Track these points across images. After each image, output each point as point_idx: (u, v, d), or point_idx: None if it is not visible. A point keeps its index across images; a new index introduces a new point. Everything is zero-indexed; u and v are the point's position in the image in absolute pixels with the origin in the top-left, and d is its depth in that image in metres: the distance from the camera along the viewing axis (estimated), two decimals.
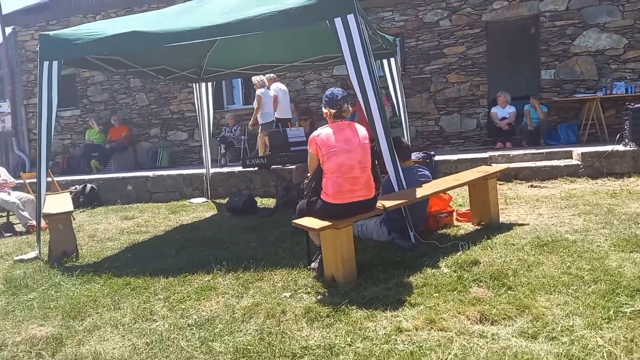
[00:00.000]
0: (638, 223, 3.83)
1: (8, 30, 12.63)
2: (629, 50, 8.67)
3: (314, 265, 3.52)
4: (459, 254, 3.51)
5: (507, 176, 6.98)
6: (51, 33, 4.67)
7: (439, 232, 4.23)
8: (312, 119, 6.69)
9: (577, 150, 6.96)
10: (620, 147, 6.70)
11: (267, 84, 8.13)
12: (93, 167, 11.07)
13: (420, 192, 3.73)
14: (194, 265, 4.07)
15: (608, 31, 8.72)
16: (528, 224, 4.18)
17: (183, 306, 3.23)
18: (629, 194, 5.15)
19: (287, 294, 3.20)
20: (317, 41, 5.95)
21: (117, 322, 3.08)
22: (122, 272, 4.05)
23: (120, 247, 5.13)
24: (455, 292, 2.90)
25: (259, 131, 8.27)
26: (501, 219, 4.45)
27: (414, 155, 7.33)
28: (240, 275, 3.66)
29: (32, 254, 4.85)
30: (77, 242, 5.42)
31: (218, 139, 10.67)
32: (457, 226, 4.39)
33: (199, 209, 7.44)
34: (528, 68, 9.91)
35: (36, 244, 4.95)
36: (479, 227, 4.24)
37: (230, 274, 3.72)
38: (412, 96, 9.87)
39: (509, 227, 4.10)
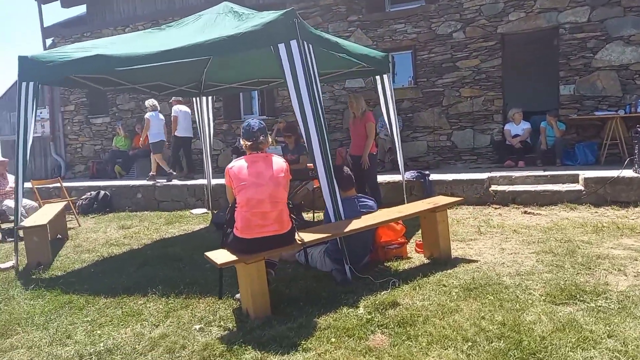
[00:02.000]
0: (590, 269, 3.52)
1: (48, 41, 13.44)
2: None
3: (238, 296, 3.48)
4: (383, 292, 3.37)
5: (505, 200, 6.65)
6: (29, 55, 4.90)
7: (385, 264, 4.07)
8: (297, 135, 6.63)
9: (583, 175, 6.50)
10: (629, 173, 6.20)
11: (157, 108, 9.73)
12: (116, 172, 11.56)
13: (356, 224, 3.61)
14: (140, 285, 4.15)
15: (633, 44, 8.11)
16: (477, 261, 3.95)
17: (100, 332, 3.29)
18: (617, 229, 4.75)
19: (198, 327, 3.19)
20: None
21: (34, 344, 3.18)
22: (72, 289, 4.19)
23: (92, 260, 5.30)
24: (353, 339, 2.78)
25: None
26: (457, 253, 4.24)
27: (408, 174, 7.16)
28: (170, 301, 3.69)
29: (9, 263, 5.12)
30: (59, 253, 5.70)
31: (231, 148, 10.86)
32: (408, 258, 4.21)
33: (195, 220, 7.59)
34: (546, 83, 9.43)
35: (14, 254, 5.20)
36: (427, 262, 4.05)
37: (162, 299, 3.76)
38: (424, 110, 9.61)
39: (454, 264, 3.89)
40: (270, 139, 3.48)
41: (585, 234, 4.64)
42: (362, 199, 4.10)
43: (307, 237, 3.38)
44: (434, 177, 7.19)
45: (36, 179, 13.29)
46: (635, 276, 3.30)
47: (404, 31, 9.67)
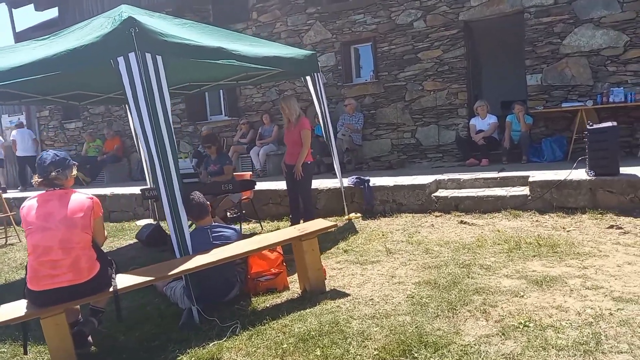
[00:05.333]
0: (455, 309, 2.99)
1: None
2: (630, 49, 7.25)
3: None
4: (213, 343, 2.95)
5: (447, 207, 6.11)
6: None
7: (252, 299, 3.65)
8: (218, 144, 6.21)
9: (532, 177, 5.89)
10: (579, 175, 5.57)
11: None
12: (81, 179, 11.38)
13: (195, 261, 3.19)
14: None
15: (604, 27, 7.35)
16: (347, 296, 3.48)
17: None
18: (537, 246, 4.18)
19: None
20: None
21: None
22: None
23: None
24: None
25: None
26: (340, 282, 3.78)
27: (348, 180, 6.67)
28: (3, 349, 3.35)
29: None
30: None
31: (192, 153, 10.53)
32: (284, 290, 3.77)
33: (134, 232, 7.29)
34: (513, 73, 8.73)
35: None
36: (297, 296, 3.60)
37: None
38: (387, 106, 9.05)
39: (318, 301, 3.42)
40: (75, 172, 3.07)
41: (495, 254, 4.10)
42: (218, 229, 3.66)
43: (129, 281, 2.98)
44: (377, 182, 6.67)
45: (12, 186, 13.32)
46: (496, 321, 2.79)
47: (363, 22, 9.09)
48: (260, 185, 7.48)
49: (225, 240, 3.56)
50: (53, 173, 2.85)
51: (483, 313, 2.91)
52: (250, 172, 7.27)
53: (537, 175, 5.90)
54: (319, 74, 6.21)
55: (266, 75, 6.43)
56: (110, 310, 3.56)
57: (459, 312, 2.95)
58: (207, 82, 6.97)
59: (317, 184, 7.11)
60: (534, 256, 3.96)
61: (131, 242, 6.71)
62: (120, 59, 3.47)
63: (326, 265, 4.38)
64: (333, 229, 3.85)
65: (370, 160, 9.23)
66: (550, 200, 5.59)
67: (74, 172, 3.03)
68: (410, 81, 8.80)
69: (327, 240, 5.32)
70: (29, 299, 2.78)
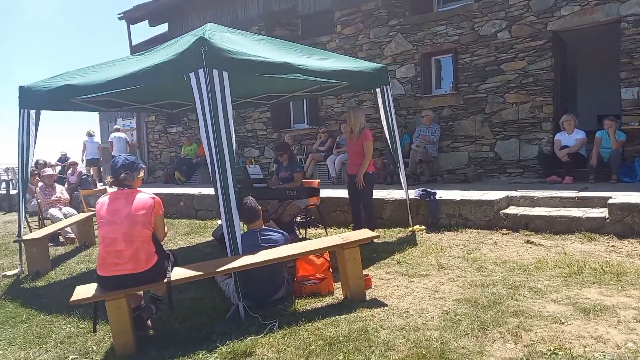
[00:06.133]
0: (486, 330, 2.94)
1: None
2: None
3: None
4: (250, 338, 3.19)
5: (516, 225, 5.89)
6: (26, 85, 5.48)
7: (297, 301, 3.85)
8: (289, 152, 6.52)
9: (612, 199, 5.48)
10: None
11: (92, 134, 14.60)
12: (177, 178, 12.44)
13: (242, 261, 3.47)
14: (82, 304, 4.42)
15: None
16: (384, 306, 3.54)
17: (1, 353, 3.58)
18: (601, 273, 3.92)
19: (71, 357, 3.31)
20: None
21: None
22: (32, 302, 4.60)
23: (82, 270, 5.76)
24: None
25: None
26: (383, 292, 3.86)
27: (414, 192, 6.66)
28: (81, 325, 3.86)
29: (15, 271, 5.79)
30: (67, 261, 6.29)
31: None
32: (328, 295, 3.93)
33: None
34: (606, 86, 8.09)
35: (18, 262, 5.87)
36: (338, 302, 3.74)
37: (81, 321, 3.95)
38: (465, 118, 8.87)
39: (355, 307, 3.52)
40: (142, 174, 3.47)
41: (551, 278, 3.91)
42: (267, 233, 3.91)
43: (181, 274, 3.33)
44: (444, 195, 6.59)
45: None
46: (525, 345, 2.70)
47: (444, 33, 9.00)
48: (329, 193, 7.72)
49: (273, 244, 3.81)
50: (122, 175, 3.29)
51: (514, 336, 2.84)
52: (318, 180, 7.50)
53: (619, 197, 5.48)
54: (388, 86, 6.30)
55: (339, 87, 6.64)
56: (162, 304, 3.97)
57: (490, 333, 2.91)
58: (285, 93, 7.35)
59: (385, 194, 7.19)
60: (594, 283, 3.73)
61: (209, 239, 7.25)
62: (192, 74, 3.88)
63: (376, 274, 4.48)
64: (376, 239, 3.92)
65: (445, 173, 9.07)
66: (631, 225, 5.16)
67: (142, 174, 3.45)
68: (491, 93, 8.54)
69: (384, 250, 5.40)
70: (97, 283, 3.24)
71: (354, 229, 6.30)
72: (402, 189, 6.40)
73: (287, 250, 3.67)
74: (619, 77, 7.51)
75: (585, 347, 2.64)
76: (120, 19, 14.05)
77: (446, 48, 9.05)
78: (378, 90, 6.27)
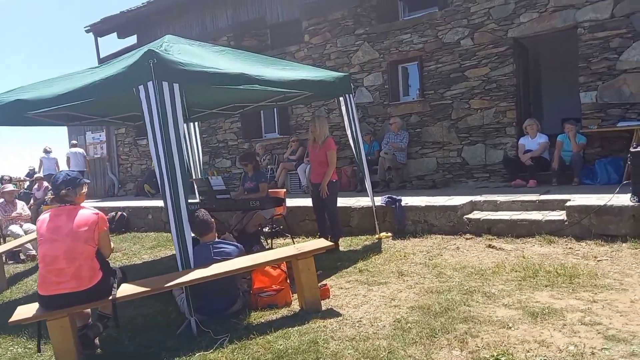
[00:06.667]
0: (434, 338, 2.93)
1: None
2: None
3: None
4: (199, 354, 3.13)
5: (479, 229, 5.93)
6: None
7: (253, 314, 3.79)
8: (254, 162, 6.48)
9: (570, 201, 5.57)
10: (620, 201, 5.19)
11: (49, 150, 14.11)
12: (146, 191, 12.26)
13: (195, 274, 3.41)
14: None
15: None
16: (339, 316, 3.51)
17: None
18: (555, 276, 3.97)
19: None
20: None
21: None
22: None
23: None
24: None
25: None
26: (340, 302, 3.83)
27: (381, 200, 6.68)
28: (30, 345, 3.74)
29: None
30: (28, 279, 6.11)
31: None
32: (285, 306, 3.88)
33: None
34: (568, 90, 8.28)
35: None
36: (293, 313, 3.70)
37: (28, 341, 3.83)
38: (432, 124, 8.95)
39: (309, 319, 3.49)
40: (85, 190, 3.39)
41: (506, 282, 3.94)
42: (220, 245, 3.86)
43: (129, 290, 3.26)
44: (408, 201, 6.62)
45: (97, 196, 14.60)
46: (470, 352, 2.70)
47: (410, 41, 9.09)
48: (298, 202, 7.69)
49: (226, 256, 3.76)
50: (63, 191, 3.20)
51: (461, 342, 2.84)
52: (284, 190, 7.46)
53: (577, 200, 5.57)
54: (351, 95, 6.33)
55: (304, 97, 6.63)
56: (122, 316, 3.88)
57: (437, 340, 2.90)
58: (250, 103, 7.31)
59: (353, 202, 7.19)
60: (546, 286, 3.76)
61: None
62: (141, 87, 3.83)
63: (337, 284, 4.46)
64: (330, 248, 3.90)
65: (414, 179, 9.13)
66: (589, 227, 5.25)
67: (84, 189, 3.38)
68: (457, 99, 8.64)
69: (348, 259, 5.39)
70: (39, 303, 3.14)
71: (320, 237, 6.29)
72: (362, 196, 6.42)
73: (240, 263, 3.62)
74: (578, 82, 7.68)
75: (528, 351, 2.65)
76: (87, 32, 13.84)
77: (412, 56, 9.14)
78: (342, 99, 6.29)
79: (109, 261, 3.38)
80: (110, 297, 3.15)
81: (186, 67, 4.09)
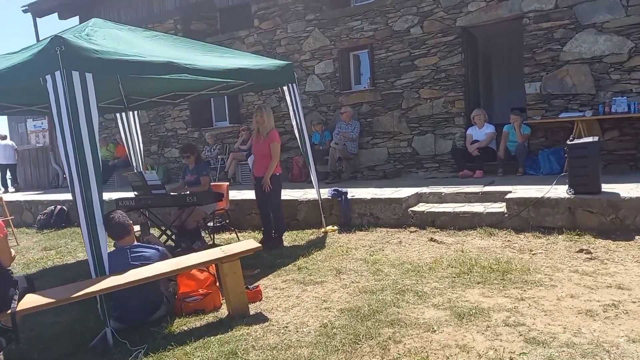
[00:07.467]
0: (357, 344, 2.83)
1: None
2: (635, 55, 6.77)
3: None
4: None
5: (423, 222, 5.88)
6: None
7: (178, 320, 3.59)
8: (196, 154, 6.20)
9: (510, 194, 5.59)
10: (557, 193, 5.23)
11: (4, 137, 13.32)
12: None
13: (108, 282, 3.17)
14: None
15: (607, 32, 6.90)
16: (265, 322, 3.36)
17: None
18: (489, 271, 3.93)
19: None
20: None
21: None
22: None
23: None
24: None
25: None
26: (272, 304, 3.68)
27: (327, 192, 6.54)
28: None
29: None
30: None
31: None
32: (212, 312, 3.69)
33: None
34: (515, 80, 8.34)
35: None
36: (219, 319, 3.52)
37: None
38: (383, 114, 8.85)
39: (232, 326, 3.32)
40: None
41: (441, 279, 3.88)
42: (138, 249, 3.62)
43: (33, 301, 2.99)
44: (355, 194, 6.51)
45: (40, 188, 13.90)
46: (394, 358, 2.61)
47: (360, 28, 8.92)
48: (243, 195, 7.48)
49: (145, 261, 3.52)
50: None
51: (382, 349, 2.73)
52: (227, 183, 7.22)
53: (518, 192, 5.60)
54: (294, 84, 6.12)
55: (247, 85, 6.37)
56: (30, 329, 3.61)
57: (360, 347, 2.79)
58: (190, 92, 6.99)
59: (300, 194, 7.04)
60: (479, 283, 3.72)
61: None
62: (48, 77, 3.51)
63: (272, 284, 4.30)
64: (258, 250, 3.73)
65: (365, 169, 9.04)
66: (527, 219, 5.28)
67: None
68: (407, 89, 8.57)
69: (290, 255, 5.24)
70: None
71: (263, 232, 6.11)
72: (322, 187, 6.26)
73: (160, 268, 3.40)
74: (522, 72, 7.73)
75: (448, 357, 2.57)
76: (25, 11, 13.00)
77: (362, 43, 8.98)
78: (285, 88, 6.08)
79: (10, 269, 3.10)
80: (9, 311, 2.88)
81: (101, 55, 3.78)
